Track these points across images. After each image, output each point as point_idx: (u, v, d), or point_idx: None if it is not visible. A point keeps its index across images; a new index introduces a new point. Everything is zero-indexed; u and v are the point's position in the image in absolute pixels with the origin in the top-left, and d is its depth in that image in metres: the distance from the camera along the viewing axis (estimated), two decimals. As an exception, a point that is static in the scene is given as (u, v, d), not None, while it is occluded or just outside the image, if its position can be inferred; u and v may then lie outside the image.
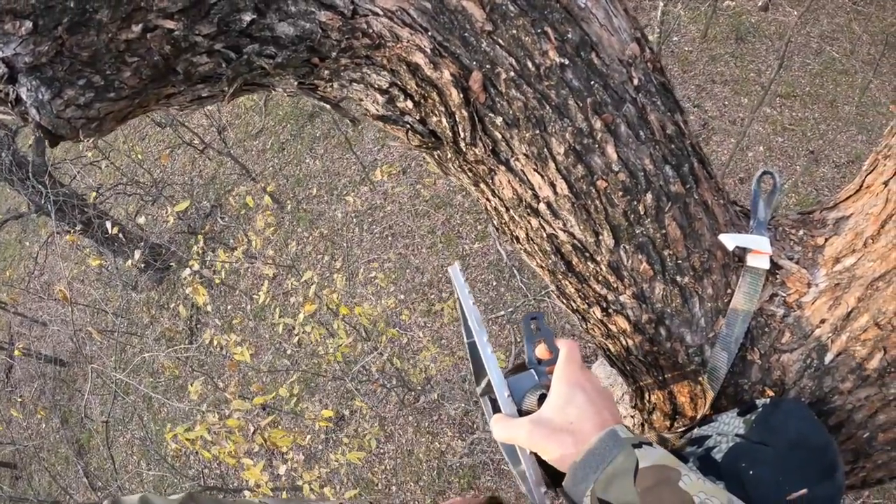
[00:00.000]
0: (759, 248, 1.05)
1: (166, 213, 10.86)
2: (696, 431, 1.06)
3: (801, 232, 1.10)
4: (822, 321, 1.01)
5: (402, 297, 8.59)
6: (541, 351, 1.02)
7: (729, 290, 1.07)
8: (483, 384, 1.06)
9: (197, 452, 4.62)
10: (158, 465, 9.23)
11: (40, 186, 8.95)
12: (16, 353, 8.65)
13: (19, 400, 10.91)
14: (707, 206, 1.04)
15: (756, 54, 9.52)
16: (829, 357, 1.01)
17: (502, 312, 7.94)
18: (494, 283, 8.36)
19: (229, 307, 9.84)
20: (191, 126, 11.40)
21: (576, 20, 0.88)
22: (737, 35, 9.78)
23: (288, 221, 9.97)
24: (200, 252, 5.55)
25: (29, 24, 0.73)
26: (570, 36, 0.88)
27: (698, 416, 1.12)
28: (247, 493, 5.10)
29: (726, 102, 9.17)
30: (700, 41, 9.85)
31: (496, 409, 0.97)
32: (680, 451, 1.04)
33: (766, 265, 1.05)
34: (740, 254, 1.07)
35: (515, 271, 8.01)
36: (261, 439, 4.69)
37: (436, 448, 7.67)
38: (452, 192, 9.18)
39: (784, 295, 1.05)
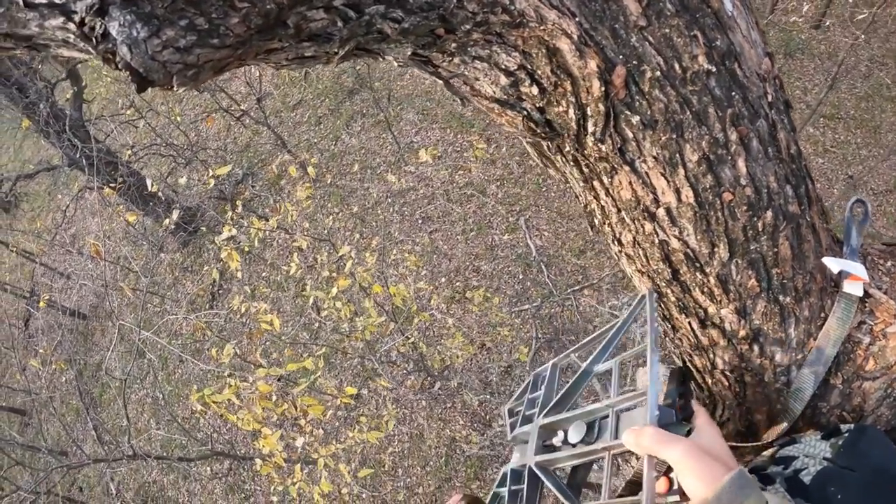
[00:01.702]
0: (858, 275, 1.05)
1: (199, 176, 10.96)
2: (781, 451, 1.05)
3: (889, 263, 1.12)
4: (907, 353, 1.01)
5: (431, 281, 8.59)
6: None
7: (823, 315, 1.07)
8: (556, 415, 1.05)
9: (219, 415, 4.63)
10: (168, 426, 9.30)
11: (76, 140, 8.98)
12: (41, 304, 8.71)
13: (41, 351, 11.02)
14: (815, 229, 1.04)
15: (804, 72, 9.39)
16: (910, 388, 1.00)
17: (527, 306, 7.92)
18: (521, 277, 8.34)
19: (253, 276, 9.88)
20: (230, 92, 11.43)
21: (724, 28, 0.86)
22: (786, 51, 9.65)
23: (319, 196, 9.98)
24: (236, 218, 5.53)
25: (128, -50, 0.65)
26: (718, 43, 0.85)
27: (774, 436, 1.11)
28: (258, 461, 5.11)
29: (769, 119, 9.05)
30: (748, 54, 9.71)
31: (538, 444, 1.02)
32: (764, 470, 1.03)
33: (861, 292, 1.05)
34: (836, 279, 1.07)
35: (543, 266, 7.98)
36: (284, 407, 4.70)
37: (446, 435, 7.69)
38: (487, 181, 9.16)
39: (871, 323, 1.05)
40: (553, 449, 1.02)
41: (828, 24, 9.65)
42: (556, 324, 7.90)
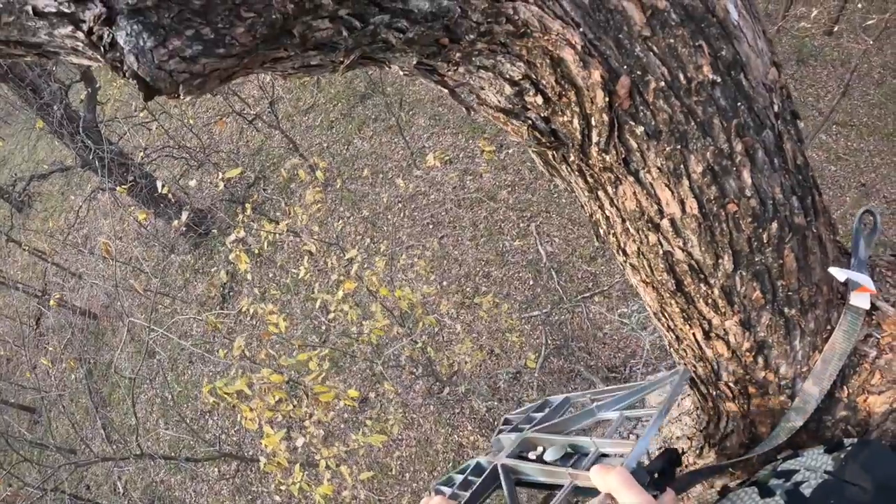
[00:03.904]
0: (866, 286, 1.05)
1: (212, 179, 11.03)
2: (783, 465, 1.06)
3: None
4: (914, 367, 1.02)
5: (440, 286, 8.60)
6: None
7: (829, 327, 1.07)
8: (545, 434, 1.09)
9: (228, 416, 4.69)
10: (177, 426, 9.36)
11: (89, 142, 9.07)
12: (51, 303, 8.79)
13: (50, 349, 11.11)
14: (821, 241, 1.04)
15: (816, 78, 9.36)
16: (916, 403, 1.02)
17: (537, 313, 7.93)
18: (531, 283, 8.34)
19: (264, 279, 9.93)
20: (242, 96, 11.50)
21: (730, 37, 0.86)
22: (798, 57, 9.63)
23: (331, 200, 10.03)
24: (246, 220, 5.59)
25: (135, -38, 0.66)
26: (723, 53, 0.85)
27: (769, 446, 1.12)
28: (262, 459, 5.17)
29: (782, 126, 9.03)
30: (761, 60, 9.70)
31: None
32: (766, 483, 1.04)
33: (867, 305, 1.05)
34: (843, 291, 1.08)
35: (554, 273, 7.98)
36: (290, 407, 4.75)
37: (454, 441, 7.70)
38: (498, 186, 9.18)
39: (878, 337, 1.06)
40: (526, 460, 1.04)
41: (835, 29, 9.63)
42: (566, 330, 7.91)
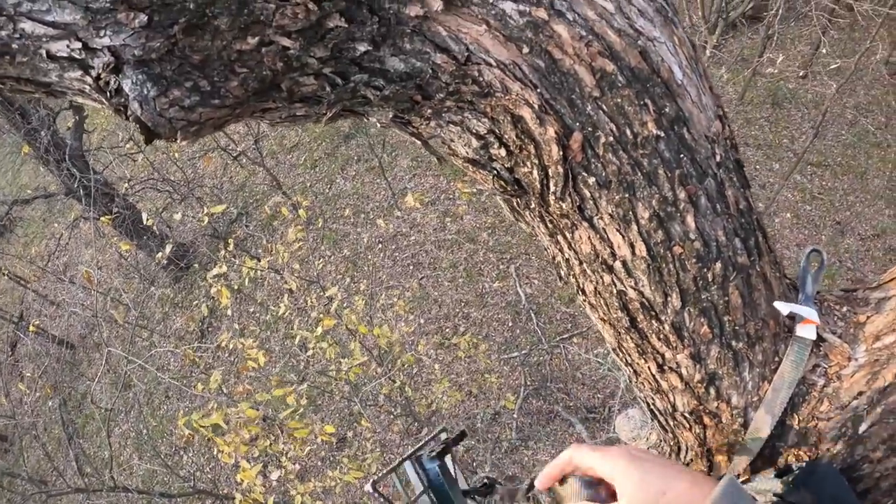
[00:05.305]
0: (809, 318, 1.09)
1: (195, 213, 11.00)
2: None
3: (844, 308, 1.14)
4: (860, 393, 1.05)
5: (419, 326, 8.59)
6: None
7: (777, 358, 1.11)
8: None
9: (203, 452, 4.65)
10: (151, 461, 9.21)
11: (75, 170, 9.05)
12: (30, 329, 8.68)
13: (28, 375, 10.95)
14: (766, 279, 1.09)
15: (791, 121, 9.54)
16: (863, 427, 1.05)
17: (516, 354, 7.94)
18: (510, 324, 8.36)
19: (243, 315, 9.87)
20: (228, 132, 11.53)
21: (673, 96, 0.93)
22: (773, 100, 9.82)
23: (312, 239, 10.03)
24: (228, 256, 5.57)
25: (143, 18, 0.73)
26: (667, 110, 0.92)
27: (734, 475, 1.14)
28: (237, 495, 5.10)
29: (758, 166, 9.18)
30: (737, 103, 9.88)
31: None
32: None
33: (813, 336, 1.09)
34: (790, 325, 1.11)
35: (532, 314, 8.01)
36: (267, 444, 4.72)
37: (431, 481, 7.60)
38: (478, 228, 9.22)
39: (826, 366, 1.09)
40: None
41: (802, 74, 9.83)
42: (545, 371, 7.90)
